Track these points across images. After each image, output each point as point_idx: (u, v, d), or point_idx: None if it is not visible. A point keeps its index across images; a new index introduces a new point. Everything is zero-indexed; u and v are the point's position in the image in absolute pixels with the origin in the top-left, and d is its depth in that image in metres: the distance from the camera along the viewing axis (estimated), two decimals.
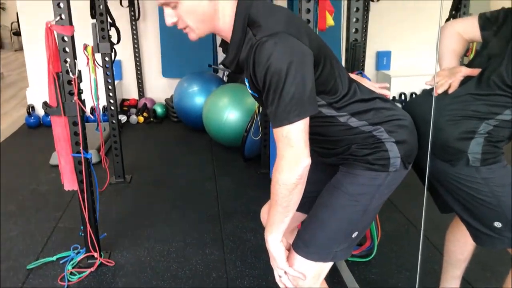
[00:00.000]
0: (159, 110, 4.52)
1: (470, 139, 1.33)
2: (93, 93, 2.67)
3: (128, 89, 4.85)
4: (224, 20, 1.24)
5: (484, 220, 1.39)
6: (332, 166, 1.41)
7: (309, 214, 1.36)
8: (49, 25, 1.90)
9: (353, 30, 2.00)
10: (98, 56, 2.91)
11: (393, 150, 1.29)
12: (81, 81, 2.02)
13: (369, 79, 1.93)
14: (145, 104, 4.58)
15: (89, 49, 2.68)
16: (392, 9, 4.77)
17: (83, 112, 2.03)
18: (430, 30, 4.77)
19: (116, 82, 4.59)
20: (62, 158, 2.11)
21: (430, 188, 1.46)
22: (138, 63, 4.73)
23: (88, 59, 2.65)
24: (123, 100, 4.75)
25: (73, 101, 1.99)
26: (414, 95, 4.75)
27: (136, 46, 4.66)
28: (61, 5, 1.89)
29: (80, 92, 2.01)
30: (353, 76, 1.49)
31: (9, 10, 9.72)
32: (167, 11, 1.23)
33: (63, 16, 1.90)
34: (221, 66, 1.44)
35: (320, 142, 1.38)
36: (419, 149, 1.36)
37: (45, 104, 2.02)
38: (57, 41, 1.93)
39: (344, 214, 1.30)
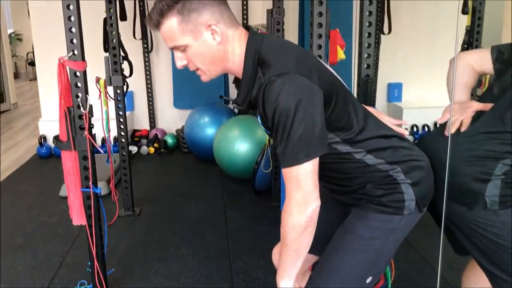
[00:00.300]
0: (170, 141, 4.53)
1: (487, 181, 1.29)
2: (104, 125, 2.68)
3: (139, 120, 4.88)
4: (234, 59, 1.24)
5: (502, 266, 1.33)
6: (344, 205, 1.38)
7: (321, 258, 1.32)
8: (61, 61, 1.91)
9: (365, 66, 1.98)
10: (110, 89, 2.92)
11: (408, 192, 1.26)
12: (92, 115, 2.02)
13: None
14: (156, 135, 4.59)
15: (102, 82, 2.70)
16: (403, 40, 4.79)
17: (93, 146, 2.02)
18: (442, 61, 4.73)
19: (128, 113, 4.64)
20: (71, 192, 2.09)
21: (445, 230, 1.41)
22: (150, 94, 4.76)
23: (100, 92, 2.68)
24: (135, 131, 4.77)
25: (83, 135, 1.99)
26: (426, 127, 4.71)
27: (148, 77, 4.71)
28: (74, 41, 1.90)
29: (90, 126, 2.01)
30: (371, 109, 1.45)
31: (26, 41, 9.94)
32: (177, 54, 1.24)
33: (75, 52, 1.91)
34: (234, 104, 1.44)
35: (334, 179, 1.35)
36: (435, 191, 1.32)
37: (55, 138, 2.02)
38: (69, 76, 1.94)
39: (357, 259, 1.26)
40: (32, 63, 9.23)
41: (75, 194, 2.10)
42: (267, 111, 1.14)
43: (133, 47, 4.37)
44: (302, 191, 1.12)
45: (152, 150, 4.44)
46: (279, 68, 1.15)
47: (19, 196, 3.45)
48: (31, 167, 4.17)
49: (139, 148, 4.46)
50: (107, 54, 2.93)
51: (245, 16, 4.56)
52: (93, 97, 2.66)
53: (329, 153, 1.24)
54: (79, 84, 1.95)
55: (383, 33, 4.67)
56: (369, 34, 1.95)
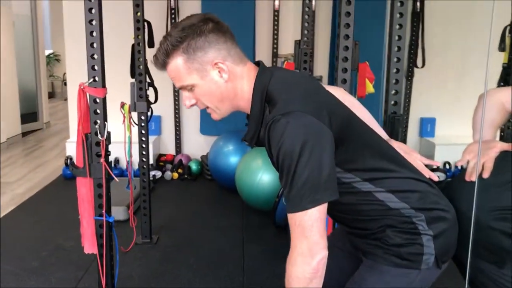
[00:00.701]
0: (194, 167, 4.49)
1: None
2: (126, 150, 2.66)
3: (166, 144, 4.87)
4: (243, 96, 1.20)
5: None
6: (357, 252, 1.28)
7: None
8: (81, 87, 1.90)
9: (392, 103, 1.89)
10: (134, 114, 2.91)
11: (429, 245, 1.15)
12: (109, 143, 1.99)
13: None
14: (180, 161, 4.56)
15: (126, 107, 2.70)
16: (437, 74, 4.67)
17: (108, 174, 1.98)
18: (476, 97, 4.60)
19: (154, 137, 4.66)
20: (84, 220, 2.05)
21: (471, 285, 1.29)
22: (177, 119, 4.77)
23: (124, 117, 2.67)
24: (160, 155, 4.75)
25: (99, 163, 1.96)
26: (460, 167, 4.52)
27: (176, 102, 4.72)
28: (96, 67, 1.89)
29: (107, 154, 1.97)
30: (400, 146, 1.37)
31: (63, 61, 10.24)
32: (185, 93, 1.21)
33: (96, 78, 1.90)
34: (243, 141, 1.38)
35: (352, 221, 1.25)
36: (460, 246, 1.21)
37: (71, 164, 1.99)
38: (88, 102, 1.92)
39: None
40: (66, 83, 9.47)
41: (88, 222, 2.05)
42: (272, 152, 1.08)
43: (162, 72, 4.39)
44: (307, 241, 1.04)
45: (175, 175, 4.41)
46: (284, 106, 1.09)
47: (39, 217, 3.45)
48: (55, 187, 4.19)
49: (163, 173, 4.43)
50: (133, 79, 2.93)
51: (275, 46, 4.54)
52: (117, 121, 2.66)
53: (348, 193, 1.15)
54: (98, 111, 1.93)
55: (417, 67, 4.57)
56: (397, 70, 1.87)
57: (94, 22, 1.85)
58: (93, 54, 1.88)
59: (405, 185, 1.19)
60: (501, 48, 3.10)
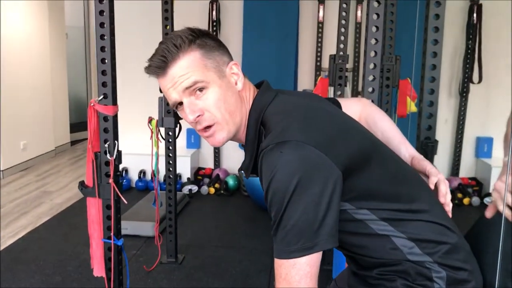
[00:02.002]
0: (231, 182, 4.37)
1: None
2: (153, 166, 2.59)
3: (205, 158, 4.80)
4: (242, 118, 1.06)
5: None
6: None
7: None
8: (92, 104, 1.83)
9: (426, 127, 1.68)
10: (162, 130, 2.84)
11: None
12: (120, 162, 1.90)
13: None
14: (217, 175, 4.46)
15: (153, 122, 2.63)
16: (495, 90, 4.31)
17: (117, 196, 1.89)
18: None
19: (193, 150, 4.61)
20: (94, 241, 1.97)
21: None
22: None
23: (152, 132, 2.60)
24: (199, 169, 4.68)
25: (108, 183, 1.87)
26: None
27: None
28: (107, 84, 1.81)
29: (117, 174, 1.88)
30: (421, 165, 1.14)
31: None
32: (189, 100, 1.01)
33: (107, 95, 1.82)
34: (239, 171, 1.20)
35: (359, 260, 1.06)
36: None
37: (81, 184, 1.92)
38: (99, 120, 1.85)
39: None
40: None
41: (97, 244, 1.97)
42: (263, 185, 0.92)
43: None
44: None
45: (212, 190, 4.31)
46: (280, 132, 0.92)
47: (73, 230, 3.45)
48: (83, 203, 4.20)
49: (200, 187, 4.35)
50: (161, 94, 2.85)
51: (318, 59, 4.36)
52: (145, 137, 2.60)
53: (359, 234, 0.98)
54: (108, 129, 1.85)
55: (473, 82, 4.24)
56: (432, 91, 1.65)
57: (105, 37, 1.78)
58: (104, 71, 1.80)
59: (434, 233, 0.99)
60: None
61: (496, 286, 0.88)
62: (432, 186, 1.06)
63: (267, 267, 2.89)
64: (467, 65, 4.22)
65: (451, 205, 1.06)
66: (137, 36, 4.25)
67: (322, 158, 0.88)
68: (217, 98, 1.01)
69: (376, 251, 1.00)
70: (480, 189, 4.33)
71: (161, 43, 1.03)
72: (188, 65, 1.00)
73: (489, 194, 4.09)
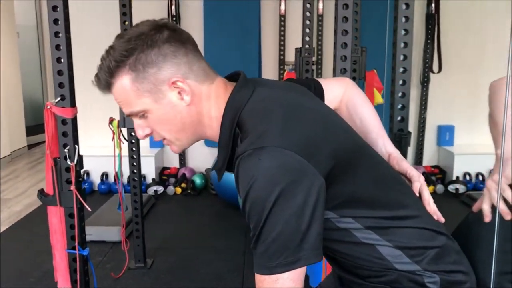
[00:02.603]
0: (198, 181, 4.28)
1: None
2: (116, 169, 2.48)
3: (170, 158, 4.68)
4: (211, 124, 0.96)
5: None
6: None
7: None
8: (48, 107, 1.71)
9: (398, 119, 1.65)
10: (125, 130, 2.72)
11: None
12: (81, 168, 1.79)
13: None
14: (184, 175, 4.36)
15: (115, 123, 2.52)
16: (456, 79, 4.38)
17: (80, 203, 1.78)
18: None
19: (157, 150, 4.48)
20: (57, 252, 1.86)
21: None
22: None
23: (113, 133, 2.48)
24: (164, 169, 4.57)
25: (70, 190, 1.76)
26: (480, 176, 4.22)
27: None
28: (64, 84, 1.70)
29: (79, 180, 1.77)
30: (400, 165, 1.09)
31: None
32: (136, 121, 0.96)
33: (65, 97, 1.71)
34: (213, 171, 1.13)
35: (347, 265, 1.01)
36: None
37: (40, 192, 1.80)
38: (57, 123, 1.74)
39: None
40: None
41: (61, 255, 1.86)
42: (240, 194, 0.85)
43: None
44: None
45: (178, 190, 4.21)
46: (258, 136, 0.85)
47: (34, 239, 3.28)
48: None
49: (165, 187, 4.24)
50: None
51: (282, 52, 4.32)
52: (107, 138, 2.49)
53: (344, 242, 0.93)
54: (67, 133, 1.74)
55: (433, 72, 4.30)
56: (404, 82, 1.63)
57: (60, 35, 1.67)
58: (60, 71, 1.69)
59: (421, 238, 0.94)
60: None
61: (491, 283, 0.84)
62: (416, 193, 1.02)
63: (239, 267, 2.82)
64: (427, 55, 4.28)
65: (438, 212, 1.02)
66: (94, 33, 4.09)
67: (304, 165, 0.82)
68: (158, 121, 0.95)
69: (362, 259, 0.95)
70: (444, 176, 4.41)
71: (102, 56, 0.95)
72: (119, 93, 0.94)
73: (452, 182, 4.17)
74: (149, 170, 4.28)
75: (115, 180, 4.23)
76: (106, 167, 4.23)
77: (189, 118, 0.95)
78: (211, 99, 0.95)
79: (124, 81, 0.92)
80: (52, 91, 5.88)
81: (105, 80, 0.94)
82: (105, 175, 4.27)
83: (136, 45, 0.91)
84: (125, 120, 2.68)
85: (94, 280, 1.91)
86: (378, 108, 2.69)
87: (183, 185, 4.26)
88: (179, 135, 0.97)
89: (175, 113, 0.94)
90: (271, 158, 0.81)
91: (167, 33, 0.93)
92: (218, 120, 0.95)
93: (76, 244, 1.80)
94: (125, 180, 3.97)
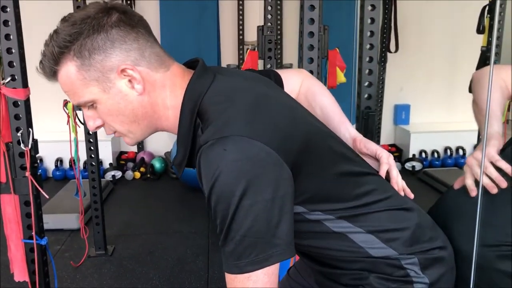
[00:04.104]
0: (157, 165, 4.19)
1: None
2: (73, 154, 2.37)
3: None
4: (166, 114, 0.89)
5: None
6: None
7: None
8: None
9: (365, 96, 1.64)
10: (80, 113, 2.59)
11: None
12: (36, 153, 1.68)
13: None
14: (142, 159, 4.25)
15: (69, 105, 2.39)
16: (411, 59, 4.45)
17: (37, 190, 1.68)
18: (453, 82, 4.42)
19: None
20: (12, 243, 1.75)
21: None
22: None
23: (68, 116, 2.37)
24: (121, 153, 4.44)
25: (25, 177, 1.65)
26: (435, 153, 4.34)
27: None
28: (14, 63, 1.58)
29: (34, 166, 1.67)
30: (367, 147, 1.07)
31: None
32: (86, 112, 0.88)
33: (16, 77, 1.59)
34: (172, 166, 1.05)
35: (319, 261, 0.98)
36: None
37: None
38: (7, 106, 1.62)
39: None
40: None
41: (17, 246, 1.76)
42: (204, 187, 0.79)
43: None
44: None
45: (137, 175, 4.10)
46: (221, 125, 0.79)
47: None
48: None
49: (123, 172, 4.12)
50: None
51: (240, 32, 4.25)
52: (62, 123, 2.37)
53: (315, 233, 0.90)
54: (20, 116, 1.63)
55: (390, 51, 4.35)
56: (371, 59, 1.61)
57: (8, 10, 1.54)
58: (9, 48, 1.57)
59: (392, 220, 0.92)
60: (480, 30, 2.88)
61: (474, 255, 0.84)
62: (383, 174, 1.00)
63: (204, 251, 2.79)
64: (384, 35, 4.31)
65: (407, 188, 1.01)
66: (45, 8, 3.86)
67: (272, 156, 0.77)
68: (108, 113, 0.88)
69: (335, 250, 0.93)
70: (400, 155, 4.51)
71: (46, 41, 0.87)
72: (65, 82, 0.87)
73: (409, 160, 4.26)
74: (106, 154, 4.13)
75: (70, 165, 4.08)
76: (60, 152, 4.05)
77: (142, 109, 0.87)
78: (166, 87, 0.88)
79: (69, 68, 0.84)
80: None
81: (49, 67, 0.86)
82: (59, 160, 4.10)
83: (81, 29, 0.83)
84: None
85: (54, 270, 1.83)
86: (341, 87, 2.70)
87: (142, 169, 4.16)
88: (132, 127, 0.90)
89: (126, 104, 0.86)
90: (237, 148, 0.76)
91: (116, 16, 0.85)
92: (174, 110, 0.88)
93: (33, 233, 1.70)
94: (81, 165, 3.82)
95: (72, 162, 2.29)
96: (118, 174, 4.06)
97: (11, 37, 1.56)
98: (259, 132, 0.78)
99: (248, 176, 0.74)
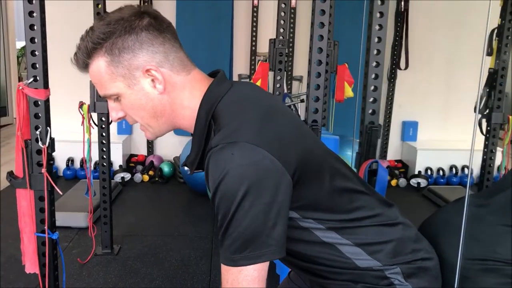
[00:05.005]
0: (166, 169, 4.26)
1: None
2: (85, 154, 2.45)
3: (137, 145, 4.64)
4: (183, 113, 0.96)
5: None
6: None
7: None
8: (20, 87, 1.68)
9: (370, 111, 1.70)
10: (95, 115, 2.68)
11: None
12: (53, 151, 1.77)
13: (385, 171, 1.62)
14: (151, 162, 4.34)
15: (85, 107, 2.49)
16: (421, 77, 4.51)
17: (51, 186, 1.76)
18: (461, 101, 4.46)
19: (125, 136, 4.43)
20: (25, 236, 1.83)
21: None
22: None
23: (83, 117, 2.45)
24: (131, 156, 4.53)
25: (41, 173, 1.74)
26: (440, 171, 4.38)
27: None
28: (37, 65, 1.67)
29: (50, 163, 1.75)
30: None
31: None
32: (110, 104, 0.97)
33: (38, 78, 1.68)
34: (183, 166, 1.13)
35: (309, 269, 1.05)
36: None
37: (10, 174, 1.77)
38: (28, 105, 1.71)
39: None
40: None
41: (30, 239, 1.84)
42: (210, 186, 0.86)
43: None
44: None
45: (146, 178, 4.18)
46: (232, 131, 0.87)
47: None
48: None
49: (133, 175, 4.20)
50: None
51: (253, 43, 4.34)
52: (72, 123, 2.44)
53: (305, 242, 0.96)
54: (39, 115, 1.71)
55: (400, 68, 4.40)
56: (376, 76, 1.68)
57: (34, 15, 1.63)
58: (33, 51, 1.66)
59: (377, 235, 1.00)
60: (488, 52, 2.94)
61: (458, 266, 0.90)
62: None
63: (207, 254, 2.85)
64: (395, 52, 4.38)
65: None
66: (64, 15, 3.99)
67: (274, 164, 0.85)
68: (130, 106, 0.97)
69: (323, 258, 1.00)
70: (406, 170, 4.55)
71: (82, 36, 0.96)
72: (95, 74, 0.96)
73: (414, 176, 4.30)
74: (116, 156, 4.23)
75: (81, 165, 4.18)
76: (71, 152, 4.15)
77: (161, 107, 0.96)
78: (185, 89, 0.96)
79: (100, 63, 0.93)
80: (15, 74, 5.71)
81: (82, 60, 0.95)
82: (70, 160, 4.19)
83: (114, 29, 0.92)
84: (96, 105, 2.65)
85: (63, 263, 1.90)
86: (348, 101, 2.76)
87: (151, 172, 4.24)
88: (151, 122, 0.98)
89: (147, 100, 0.95)
90: (243, 154, 0.83)
91: (147, 20, 0.93)
92: (191, 110, 0.96)
93: (46, 227, 1.78)
94: (92, 166, 3.90)
95: (84, 162, 2.36)
96: (127, 176, 4.14)
97: (36, 40, 1.65)
98: (265, 141, 0.85)
99: (250, 180, 0.81)
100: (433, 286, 1.00)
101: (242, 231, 0.82)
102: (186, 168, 1.02)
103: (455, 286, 0.91)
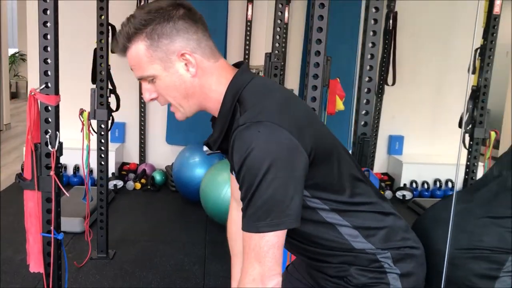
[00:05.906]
0: (158, 177, 4.34)
1: (494, 279, 1.10)
2: (84, 160, 2.52)
3: (129, 153, 4.70)
4: (211, 96, 1.08)
5: None
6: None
7: None
8: (32, 93, 1.76)
9: (362, 123, 1.82)
10: (94, 122, 2.76)
11: (395, 285, 1.07)
12: (61, 154, 1.85)
13: (376, 179, 1.74)
14: (144, 170, 4.40)
15: (85, 114, 2.57)
16: (407, 92, 4.67)
17: (58, 188, 1.84)
18: (445, 118, 4.62)
19: (117, 144, 4.50)
20: (31, 236, 1.90)
21: None
22: (142, 127, 4.61)
23: (83, 124, 2.53)
24: (123, 164, 4.59)
25: (49, 175, 1.82)
26: (425, 184, 4.52)
27: (142, 110, 4.57)
28: (49, 73, 1.76)
29: (58, 166, 1.83)
30: None
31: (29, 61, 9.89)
32: (145, 85, 1.07)
33: (49, 85, 1.77)
34: (204, 145, 1.22)
35: (312, 252, 1.16)
36: (429, 285, 1.13)
37: (18, 176, 1.84)
38: (39, 110, 1.79)
39: None
40: None
41: (35, 239, 1.90)
42: (235, 161, 0.97)
43: (128, 78, 4.23)
44: (260, 266, 0.94)
45: (138, 186, 4.25)
46: (258, 112, 0.99)
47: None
48: (9, 194, 3.96)
49: (125, 182, 4.27)
50: (94, 86, 2.78)
51: (247, 57, 4.46)
52: (76, 130, 2.51)
53: (310, 220, 1.07)
54: (49, 120, 1.80)
55: (387, 84, 4.56)
56: (369, 90, 1.80)
57: (48, 25, 1.73)
58: (46, 59, 1.75)
59: (373, 220, 1.12)
60: (471, 71, 3.10)
61: (446, 255, 1.01)
62: None
63: (201, 260, 2.93)
64: (383, 68, 4.54)
65: None
66: (66, 24, 4.06)
67: (294, 143, 0.96)
68: (165, 87, 1.06)
69: (324, 239, 1.11)
70: (392, 183, 4.69)
71: (123, 23, 1.06)
72: (133, 58, 1.05)
73: (400, 189, 4.44)
74: (109, 164, 4.28)
75: (74, 172, 4.23)
76: (64, 159, 4.16)
77: (192, 89, 1.06)
78: (214, 74, 1.07)
79: (139, 46, 1.03)
80: (6, 80, 5.74)
81: (122, 44, 1.05)
82: (64, 167, 4.24)
83: (155, 17, 1.03)
84: (95, 112, 2.74)
85: (66, 263, 1.97)
86: (339, 114, 2.88)
87: (143, 180, 4.31)
88: (182, 102, 1.08)
89: (181, 82, 1.05)
90: (268, 132, 0.95)
91: (183, 11, 1.05)
92: (218, 94, 1.07)
93: (52, 228, 1.85)
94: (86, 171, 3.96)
95: (83, 167, 2.43)
96: (120, 183, 4.21)
97: (49, 49, 1.74)
98: (286, 122, 0.97)
99: (273, 155, 0.93)
100: (417, 271, 1.12)
101: (265, 201, 0.92)
102: (205, 148, 1.11)
103: (443, 271, 1.02)
